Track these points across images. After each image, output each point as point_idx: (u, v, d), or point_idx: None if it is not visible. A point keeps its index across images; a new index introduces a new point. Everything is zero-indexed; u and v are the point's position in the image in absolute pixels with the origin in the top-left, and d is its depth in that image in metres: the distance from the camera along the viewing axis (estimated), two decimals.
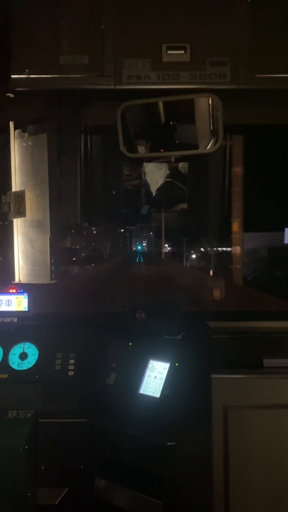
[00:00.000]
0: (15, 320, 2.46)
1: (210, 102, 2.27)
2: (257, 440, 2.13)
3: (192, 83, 2.22)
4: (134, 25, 2.23)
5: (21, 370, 2.34)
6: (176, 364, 2.13)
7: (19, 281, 2.84)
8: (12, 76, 2.22)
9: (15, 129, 2.77)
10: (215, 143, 2.22)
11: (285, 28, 2.20)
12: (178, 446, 1.93)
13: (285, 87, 2.25)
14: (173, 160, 3.12)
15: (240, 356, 2.30)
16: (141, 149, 2.42)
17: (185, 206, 3.93)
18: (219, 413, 2.13)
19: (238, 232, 9.42)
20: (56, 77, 2.24)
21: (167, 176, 3.72)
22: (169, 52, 2.20)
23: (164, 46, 2.20)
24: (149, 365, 2.19)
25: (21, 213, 2.74)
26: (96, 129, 2.94)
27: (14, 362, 2.36)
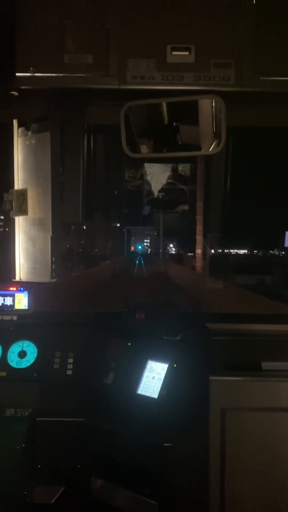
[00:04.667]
0: (15, 318, 2.47)
1: (213, 103, 2.27)
2: (254, 443, 2.13)
3: (196, 84, 2.21)
4: (139, 25, 2.23)
5: (20, 368, 2.34)
6: (175, 365, 2.14)
7: (20, 279, 2.84)
8: (17, 74, 2.22)
9: (18, 127, 2.77)
10: (218, 145, 2.23)
11: None
12: (175, 447, 1.93)
13: None
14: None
15: (238, 358, 2.30)
16: (144, 150, 2.42)
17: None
18: (216, 415, 2.13)
19: None
20: (60, 75, 2.24)
21: (169, 178, 3.71)
22: (173, 53, 2.20)
23: (168, 47, 2.20)
24: (148, 366, 2.19)
25: (23, 211, 2.74)
26: (99, 129, 2.94)
27: (13, 360, 2.36)
